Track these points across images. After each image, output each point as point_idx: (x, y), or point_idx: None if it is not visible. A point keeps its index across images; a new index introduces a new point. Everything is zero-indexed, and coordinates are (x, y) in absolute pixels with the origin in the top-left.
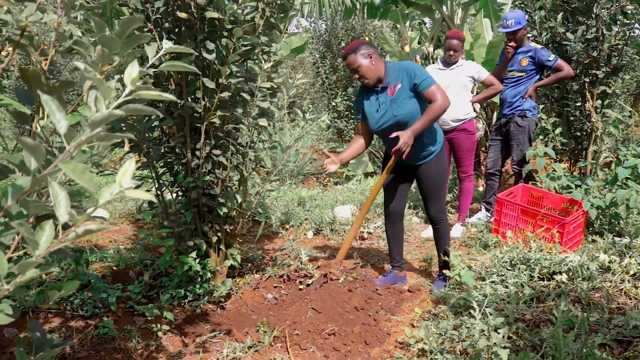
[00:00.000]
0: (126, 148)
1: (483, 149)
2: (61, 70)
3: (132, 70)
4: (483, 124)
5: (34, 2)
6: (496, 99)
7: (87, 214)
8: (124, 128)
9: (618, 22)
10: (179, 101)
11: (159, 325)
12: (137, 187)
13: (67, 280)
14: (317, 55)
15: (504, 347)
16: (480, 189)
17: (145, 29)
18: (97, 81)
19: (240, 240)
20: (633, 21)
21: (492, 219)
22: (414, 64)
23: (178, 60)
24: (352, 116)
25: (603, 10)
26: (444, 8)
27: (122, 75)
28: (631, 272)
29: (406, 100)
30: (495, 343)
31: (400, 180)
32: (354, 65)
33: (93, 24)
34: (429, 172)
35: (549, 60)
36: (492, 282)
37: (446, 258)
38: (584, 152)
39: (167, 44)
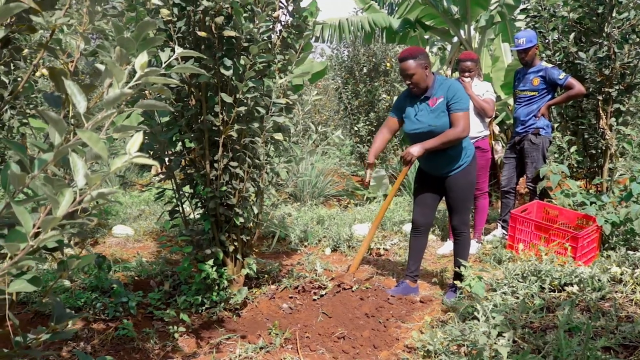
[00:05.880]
0: (153, 171)
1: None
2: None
3: (142, 58)
4: (503, 146)
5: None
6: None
7: (99, 174)
8: (147, 140)
9: (630, 41)
10: (184, 86)
11: (175, 327)
12: (158, 197)
13: (89, 284)
14: (340, 81)
15: (505, 346)
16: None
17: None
18: (110, 64)
19: (257, 251)
20: None
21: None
22: (460, 85)
23: (198, 77)
24: None
25: (614, 29)
26: (462, 32)
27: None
28: None
29: (443, 113)
30: (496, 342)
31: (431, 193)
32: (408, 71)
33: (112, 27)
34: (455, 184)
35: (560, 79)
36: (503, 292)
37: (457, 269)
38: (600, 169)
39: (178, 49)
